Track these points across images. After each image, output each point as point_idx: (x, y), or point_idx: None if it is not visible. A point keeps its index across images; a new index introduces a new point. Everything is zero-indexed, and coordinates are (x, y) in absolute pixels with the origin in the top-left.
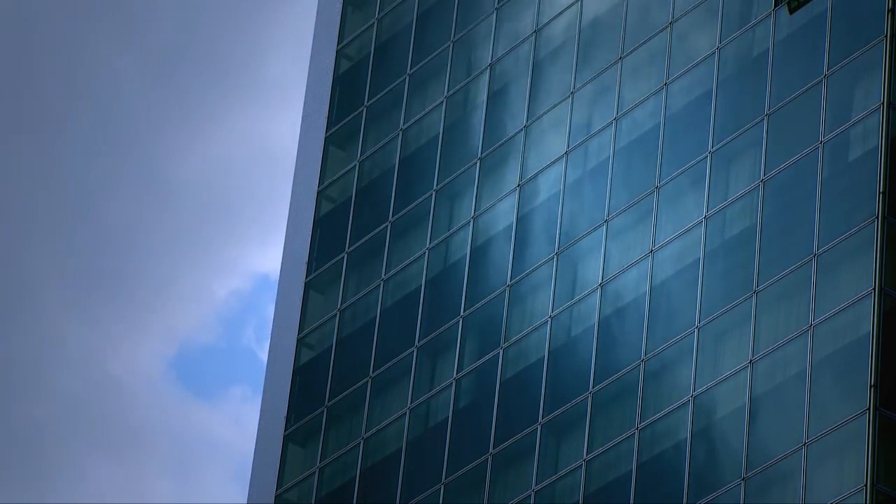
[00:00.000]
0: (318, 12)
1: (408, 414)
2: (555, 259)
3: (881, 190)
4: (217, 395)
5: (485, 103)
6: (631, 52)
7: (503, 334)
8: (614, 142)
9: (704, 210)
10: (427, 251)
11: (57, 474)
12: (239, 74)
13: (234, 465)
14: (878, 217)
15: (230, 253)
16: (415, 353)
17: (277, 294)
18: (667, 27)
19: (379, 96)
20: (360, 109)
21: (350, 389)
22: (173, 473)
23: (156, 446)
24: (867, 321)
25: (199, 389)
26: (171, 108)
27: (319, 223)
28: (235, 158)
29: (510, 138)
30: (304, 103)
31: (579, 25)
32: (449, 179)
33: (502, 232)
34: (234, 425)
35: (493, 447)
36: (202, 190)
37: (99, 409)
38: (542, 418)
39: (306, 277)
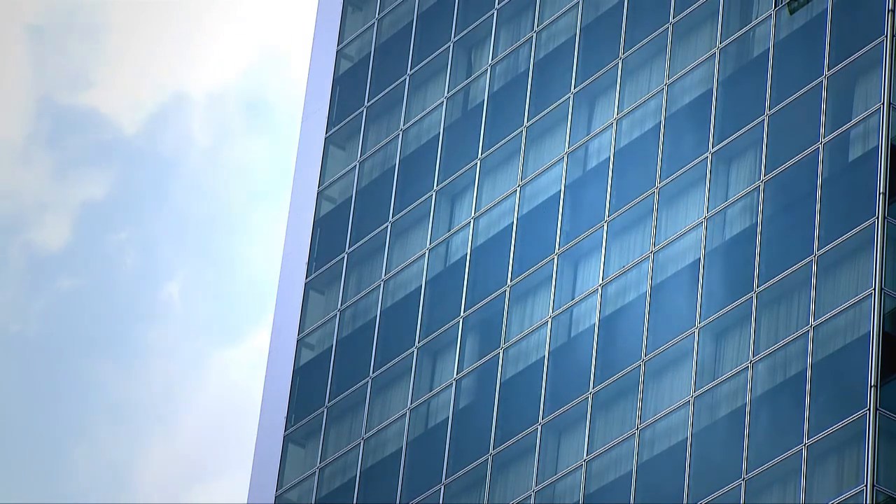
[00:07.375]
0: (318, 12)
1: (408, 414)
2: (555, 259)
3: (881, 190)
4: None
5: (485, 103)
6: (631, 52)
7: (503, 334)
8: (614, 142)
9: (704, 210)
10: (427, 251)
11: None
12: None
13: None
14: (878, 217)
15: None
16: (415, 353)
17: (277, 294)
18: (667, 27)
19: (379, 96)
20: (360, 109)
21: (350, 389)
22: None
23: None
24: (867, 321)
25: None
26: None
27: (319, 223)
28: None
29: (510, 138)
30: (304, 104)
31: (579, 25)
32: (449, 179)
33: (502, 232)
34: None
35: (493, 447)
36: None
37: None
38: (542, 418)
39: (306, 277)
